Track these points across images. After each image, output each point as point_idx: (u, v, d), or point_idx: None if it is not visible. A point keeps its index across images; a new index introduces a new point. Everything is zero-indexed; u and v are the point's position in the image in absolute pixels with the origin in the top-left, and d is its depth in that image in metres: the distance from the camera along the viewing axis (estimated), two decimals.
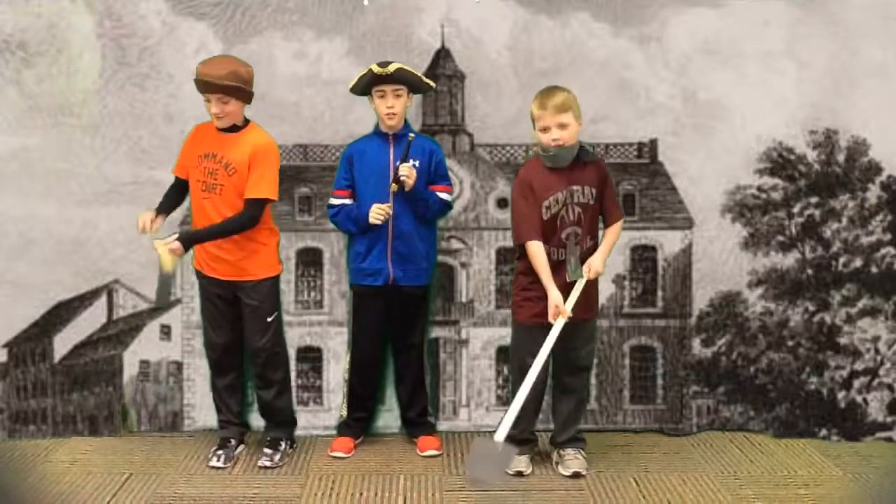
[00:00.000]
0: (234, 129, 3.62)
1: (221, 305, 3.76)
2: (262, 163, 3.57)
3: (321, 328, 4.11)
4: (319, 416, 4.08)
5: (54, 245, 4.03)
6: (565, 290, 3.48)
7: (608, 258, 3.61)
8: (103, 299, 4.07)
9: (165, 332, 4.10)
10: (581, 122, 3.52)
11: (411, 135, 3.70)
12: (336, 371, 4.11)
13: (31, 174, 4.01)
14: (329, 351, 4.11)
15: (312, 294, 4.10)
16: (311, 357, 4.10)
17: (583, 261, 3.54)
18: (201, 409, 4.10)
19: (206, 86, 3.51)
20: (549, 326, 3.50)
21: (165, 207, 3.70)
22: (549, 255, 3.50)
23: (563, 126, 3.45)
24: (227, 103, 3.53)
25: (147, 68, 4.00)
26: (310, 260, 4.09)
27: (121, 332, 4.09)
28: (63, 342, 4.09)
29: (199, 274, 3.79)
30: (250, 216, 3.57)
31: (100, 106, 4.00)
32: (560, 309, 3.41)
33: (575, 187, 3.52)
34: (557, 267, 3.51)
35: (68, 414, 4.10)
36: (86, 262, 4.04)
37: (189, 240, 3.53)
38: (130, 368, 4.10)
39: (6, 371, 4.09)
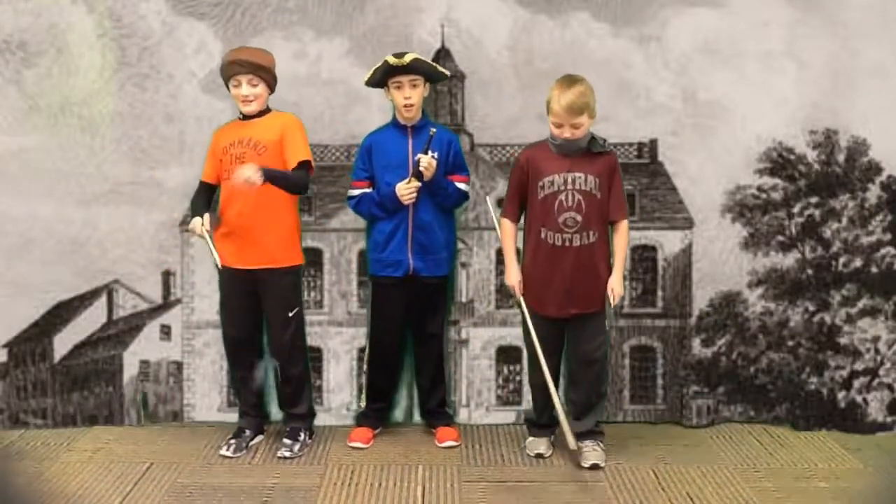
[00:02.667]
0: (258, 115, 3.69)
1: (241, 298, 3.76)
2: (295, 132, 3.68)
3: (321, 328, 4.11)
4: (320, 416, 4.08)
5: (54, 245, 4.03)
6: (564, 283, 3.53)
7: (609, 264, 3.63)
8: (103, 299, 4.08)
9: (165, 332, 4.10)
10: (594, 115, 3.54)
11: (433, 129, 3.69)
12: (336, 371, 4.11)
13: (31, 174, 4.01)
14: (329, 351, 4.11)
15: (312, 294, 4.10)
16: (312, 357, 4.09)
17: (583, 252, 3.53)
18: (201, 410, 4.10)
19: (239, 66, 3.61)
20: (547, 316, 3.59)
21: (201, 210, 3.70)
22: (545, 239, 3.54)
23: (576, 126, 3.48)
24: (256, 86, 3.64)
25: (147, 68, 4.00)
26: (310, 260, 4.08)
27: (121, 332, 4.09)
28: (63, 342, 4.09)
29: (223, 269, 3.77)
30: (305, 178, 3.67)
31: (100, 106, 4.00)
32: (517, 289, 3.59)
33: (577, 174, 3.52)
34: (553, 252, 3.53)
35: (68, 414, 4.11)
36: (86, 262, 4.05)
37: (268, 176, 3.52)
38: (130, 368, 4.10)
39: (6, 371, 4.09)
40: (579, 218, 3.52)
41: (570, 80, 3.50)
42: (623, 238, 3.61)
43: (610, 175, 3.56)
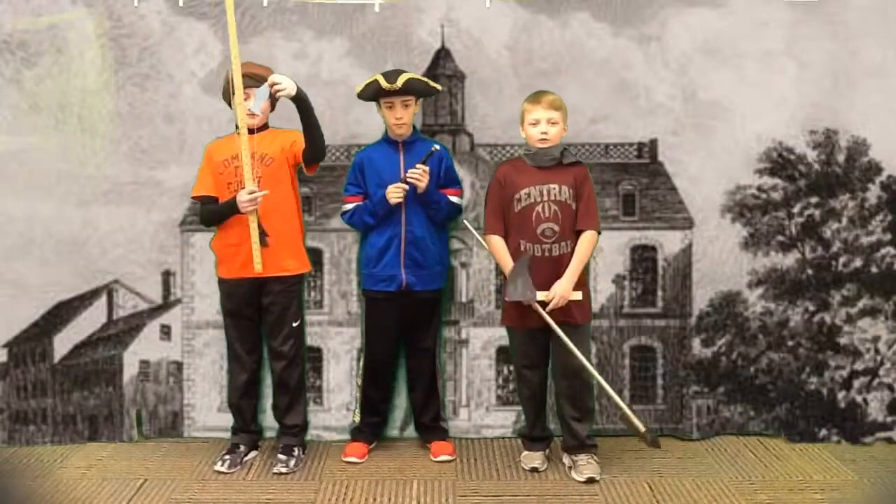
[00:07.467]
0: (257, 130, 3.68)
1: (248, 313, 3.78)
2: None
3: (321, 328, 4.11)
4: (319, 416, 4.08)
5: (54, 245, 4.03)
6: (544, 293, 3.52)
7: (584, 275, 3.63)
8: (103, 299, 4.08)
9: (165, 332, 4.10)
10: (566, 128, 3.62)
11: (435, 146, 3.72)
12: (336, 371, 4.11)
13: (31, 174, 4.01)
14: (329, 351, 4.11)
15: (312, 294, 4.10)
16: (311, 357, 4.10)
17: (562, 262, 3.54)
18: (201, 410, 4.10)
19: (251, 79, 3.60)
20: (529, 328, 3.59)
21: (228, 205, 3.68)
22: (524, 251, 3.56)
23: (552, 122, 3.55)
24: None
25: (147, 68, 4.00)
26: (310, 260, 4.07)
27: (121, 332, 4.09)
28: (63, 342, 4.09)
29: (225, 284, 3.78)
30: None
31: (100, 106, 4.00)
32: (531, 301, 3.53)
33: (552, 185, 3.56)
34: (533, 263, 3.53)
35: (68, 414, 4.11)
36: (86, 262, 4.05)
37: (304, 93, 3.53)
38: (130, 368, 4.10)
39: (6, 371, 4.09)
40: (556, 228, 3.54)
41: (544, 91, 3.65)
42: (584, 246, 3.55)
43: (580, 184, 3.58)
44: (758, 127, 4.01)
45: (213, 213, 3.74)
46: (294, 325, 3.81)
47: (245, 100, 3.63)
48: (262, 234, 3.61)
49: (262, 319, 3.82)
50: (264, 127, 3.75)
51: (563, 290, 3.50)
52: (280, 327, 3.78)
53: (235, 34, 3.48)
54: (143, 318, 4.09)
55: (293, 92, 3.49)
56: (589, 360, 3.66)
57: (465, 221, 3.86)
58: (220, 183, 3.72)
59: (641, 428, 3.46)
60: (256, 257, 3.59)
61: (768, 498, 3.45)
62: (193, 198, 3.83)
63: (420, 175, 3.65)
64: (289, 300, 3.78)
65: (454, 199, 3.83)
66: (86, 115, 4.00)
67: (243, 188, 3.58)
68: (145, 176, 4.02)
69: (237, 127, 3.70)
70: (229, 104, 3.72)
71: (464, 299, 4.12)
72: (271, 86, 3.48)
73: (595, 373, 3.54)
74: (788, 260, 4.07)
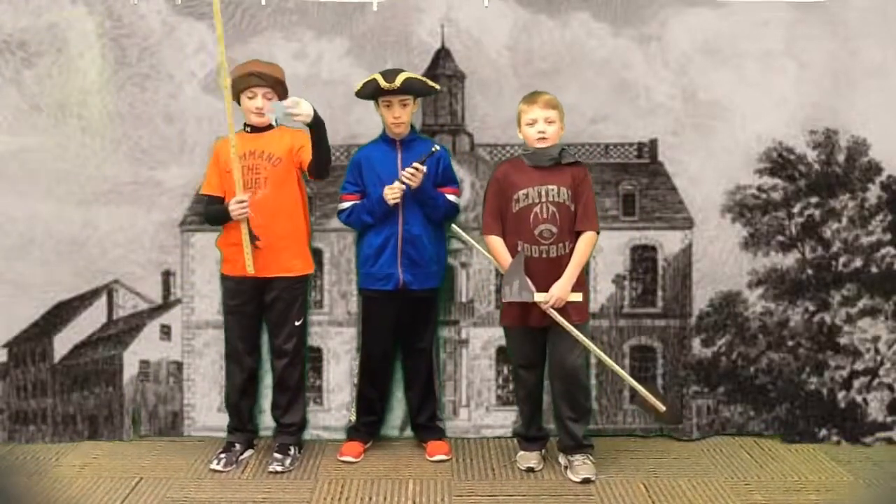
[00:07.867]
0: (264, 129, 3.70)
1: (250, 311, 3.79)
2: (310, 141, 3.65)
3: (321, 328, 4.11)
4: (319, 416, 4.08)
5: (54, 245, 4.03)
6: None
7: (583, 275, 3.62)
8: (103, 299, 4.07)
9: (165, 332, 4.10)
10: (563, 127, 3.61)
11: (436, 146, 3.73)
12: (336, 371, 4.11)
13: (31, 174, 4.01)
14: (329, 351, 4.11)
15: (312, 294, 4.10)
16: (311, 357, 4.10)
17: (561, 263, 3.54)
18: (201, 410, 4.10)
19: (259, 78, 3.63)
20: (530, 327, 3.58)
21: (224, 212, 3.68)
22: (522, 251, 3.56)
23: (549, 121, 3.54)
24: (271, 99, 3.66)
25: (147, 68, 4.00)
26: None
27: (121, 332, 4.09)
28: (63, 342, 4.09)
29: (228, 281, 3.79)
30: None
31: (100, 106, 4.00)
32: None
33: (550, 186, 3.55)
34: (530, 264, 3.53)
35: (68, 414, 4.10)
36: (86, 262, 4.04)
37: (319, 119, 3.54)
38: (130, 368, 4.10)
39: (6, 371, 4.09)
40: (554, 229, 3.54)
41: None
42: (583, 247, 3.55)
43: (580, 186, 3.57)
44: (758, 127, 4.02)
45: (212, 214, 3.76)
46: (297, 323, 3.81)
47: (251, 98, 3.64)
48: (253, 238, 3.62)
49: (264, 317, 3.83)
50: (272, 126, 3.76)
51: (560, 291, 3.50)
52: (283, 325, 3.78)
53: (222, 32, 3.52)
54: (143, 318, 4.09)
55: (309, 119, 3.50)
56: (588, 360, 3.67)
57: (455, 227, 3.83)
58: (228, 181, 3.71)
59: (661, 407, 3.48)
60: (248, 259, 3.60)
61: (763, 498, 3.45)
62: (201, 194, 3.85)
63: (411, 175, 3.64)
64: (293, 298, 3.79)
65: (451, 197, 3.83)
66: (86, 115, 4.01)
67: (247, 190, 3.60)
68: (145, 176, 4.02)
69: (245, 125, 3.73)
70: (238, 101, 3.72)
71: (464, 299, 4.12)
72: (288, 107, 3.48)
73: (607, 359, 3.55)
74: (788, 260, 4.07)
